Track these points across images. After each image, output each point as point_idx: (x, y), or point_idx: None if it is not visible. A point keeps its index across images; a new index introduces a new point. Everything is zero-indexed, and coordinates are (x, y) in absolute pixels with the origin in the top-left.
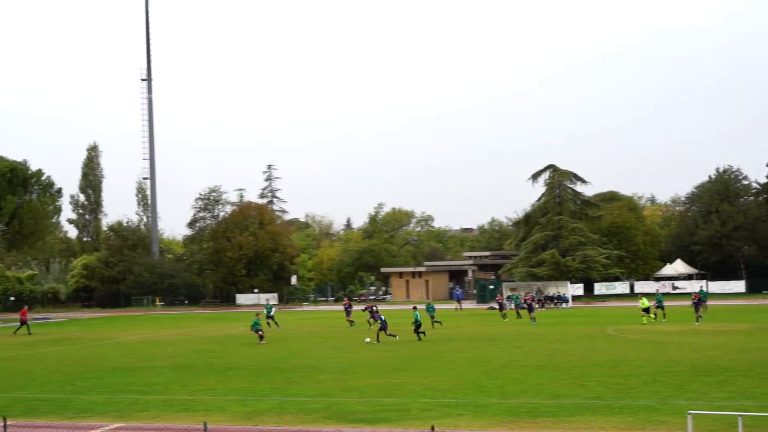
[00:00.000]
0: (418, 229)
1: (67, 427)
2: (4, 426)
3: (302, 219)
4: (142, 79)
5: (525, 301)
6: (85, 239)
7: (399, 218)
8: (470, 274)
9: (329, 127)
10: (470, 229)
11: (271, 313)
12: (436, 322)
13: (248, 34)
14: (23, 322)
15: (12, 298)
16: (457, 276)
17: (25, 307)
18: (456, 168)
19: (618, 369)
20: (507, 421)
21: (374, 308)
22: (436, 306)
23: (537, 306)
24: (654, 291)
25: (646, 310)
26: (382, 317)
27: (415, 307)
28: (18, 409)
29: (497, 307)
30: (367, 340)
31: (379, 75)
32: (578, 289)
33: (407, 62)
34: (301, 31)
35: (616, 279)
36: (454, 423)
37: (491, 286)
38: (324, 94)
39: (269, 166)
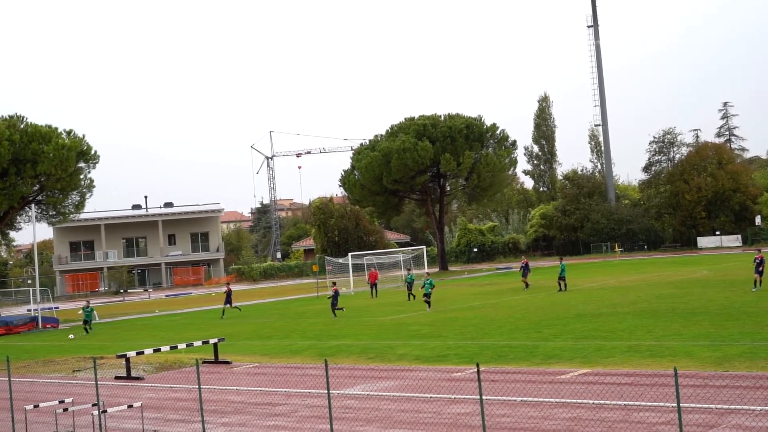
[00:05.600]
0: None
1: (536, 373)
2: (478, 371)
3: (763, 156)
4: (588, 26)
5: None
6: (541, 189)
7: None
8: None
9: None
10: None
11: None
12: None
13: None
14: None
15: (475, 250)
16: None
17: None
18: None
19: None
20: None
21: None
22: None
23: None
24: None
25: None
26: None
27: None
28: (487, 356)
29: None
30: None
31: None
32: None
33: None
34: None
35: None
36: None
37: None
38: None
39: (725, 104)
